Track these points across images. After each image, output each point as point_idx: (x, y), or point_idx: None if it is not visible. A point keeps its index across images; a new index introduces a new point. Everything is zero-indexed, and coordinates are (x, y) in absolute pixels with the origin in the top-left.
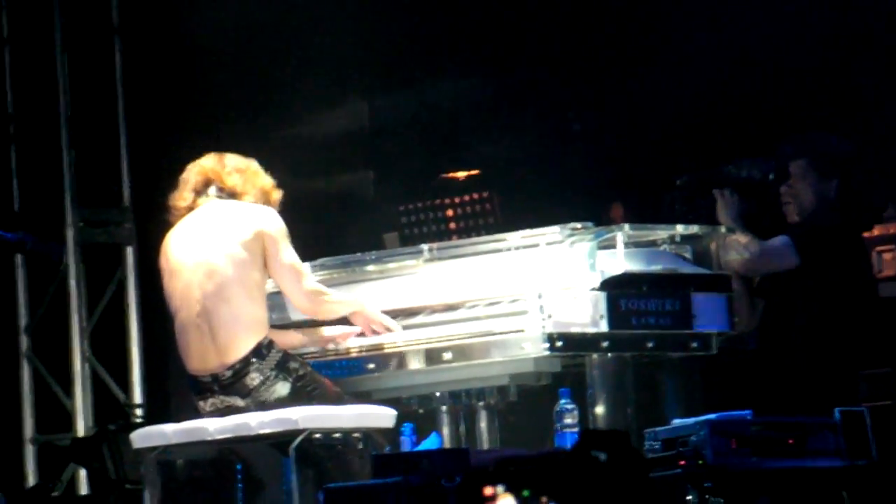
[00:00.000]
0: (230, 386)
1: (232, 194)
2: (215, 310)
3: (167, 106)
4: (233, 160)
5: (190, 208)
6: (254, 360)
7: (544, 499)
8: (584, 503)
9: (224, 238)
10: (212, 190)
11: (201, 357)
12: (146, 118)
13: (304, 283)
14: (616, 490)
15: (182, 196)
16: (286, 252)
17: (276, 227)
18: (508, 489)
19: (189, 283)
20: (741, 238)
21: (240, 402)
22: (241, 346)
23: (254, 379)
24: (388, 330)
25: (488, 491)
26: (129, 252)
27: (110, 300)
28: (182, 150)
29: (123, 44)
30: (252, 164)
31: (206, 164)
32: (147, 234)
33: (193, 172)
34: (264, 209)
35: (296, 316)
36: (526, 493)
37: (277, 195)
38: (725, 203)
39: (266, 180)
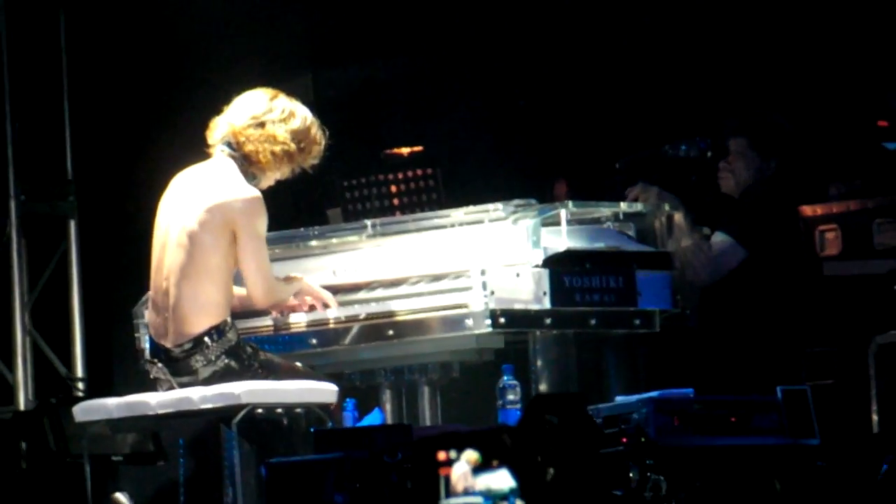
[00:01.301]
0: (177, 362)
1: (245, 156)
2: (177, 286)
3: (111, 79)
4: (257, 114)
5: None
6: (206, 340)
7: (495, 462)
8: (537, 466)
9: (196, 216)
10: (224, 147)
11: (159, 322)
12: (90, 91)
13: (264, 283)
14: (568, 453)
15: (207, 140)
16: (252, 246)
17: (250, 219)
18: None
19: (162, 251)
20: (685, 240)
21: (174, 383)
22: (194, 327)
23: (198, 361)
24: (327, 306)
25: (442, 456)
26: (72, 225)
27: (52, 273)
28: (125, 123)
29: (67, 16)
30: (271, 122)
31: (237, 120)
32: (90, 206)
33: (225, 122)
34: (246, 194)
35: None
36: (478, 457)
37: (301, 155)
38: (650, 193)
39: (282, 145)
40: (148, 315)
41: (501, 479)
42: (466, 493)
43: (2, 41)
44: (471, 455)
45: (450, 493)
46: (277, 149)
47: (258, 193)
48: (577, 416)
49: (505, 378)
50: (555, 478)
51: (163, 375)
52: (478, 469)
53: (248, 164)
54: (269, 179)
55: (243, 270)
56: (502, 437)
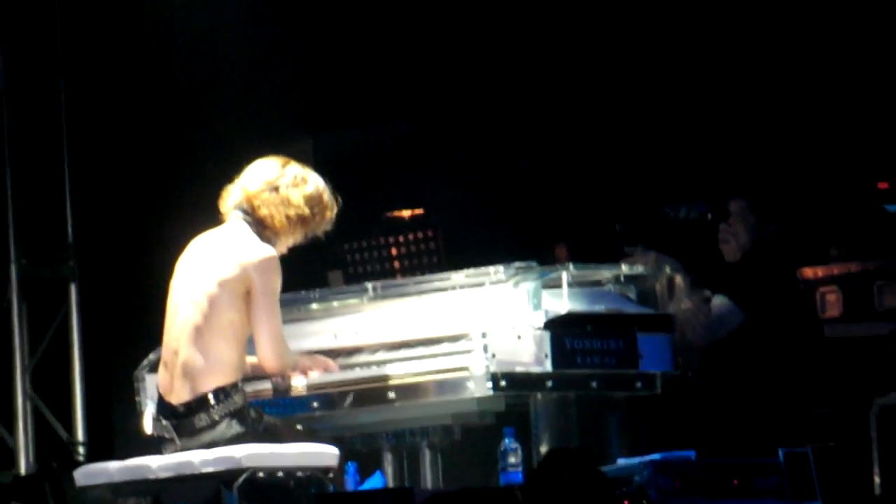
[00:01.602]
0: (181, 419)
1: (260, 223)
2: (188, 344)
3: (111, 143)
4: (271, 179)
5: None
6: (211, 399)
7: None
8: None
9: (211, 272)
10: (238, 212)
11: (168, 380)
12: (90, 155)
13: (276, 345)
14: None
15: (222, 202)
16: (266, 305)
17: (265, 276)
18: None
19: (175, 309)
20: (685, 302)
21: (177, 441)
22: (202, 384)
23: (202, 420)
24: (327, 370)
25: None
26: (73, 289)
27: (53, 337)
28: (125, 186)
29: (67, 79)
30: (285, 187)
31: (251, 185)
32: (90, 270)
33: (238, 187)
34: (263, 253)
35: None
36: None
37: (314, 221)
38: (650, 257)
39: (295, 209)
40: (158, 374)
41: None
42: None
43: (2, 103)
44: None
45: None
46: (292, 213)
47: (274, 252)
48: (590, 472)
49: (506, 441)
50: None
51: (167, 434)
52: None
53: (262, 228)
54: (283, 245)
55: (255, 330)
56: (515, 494)
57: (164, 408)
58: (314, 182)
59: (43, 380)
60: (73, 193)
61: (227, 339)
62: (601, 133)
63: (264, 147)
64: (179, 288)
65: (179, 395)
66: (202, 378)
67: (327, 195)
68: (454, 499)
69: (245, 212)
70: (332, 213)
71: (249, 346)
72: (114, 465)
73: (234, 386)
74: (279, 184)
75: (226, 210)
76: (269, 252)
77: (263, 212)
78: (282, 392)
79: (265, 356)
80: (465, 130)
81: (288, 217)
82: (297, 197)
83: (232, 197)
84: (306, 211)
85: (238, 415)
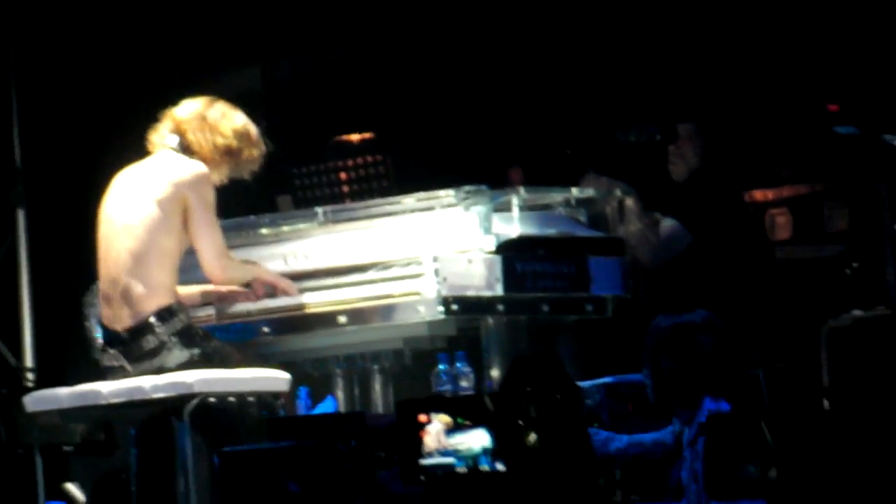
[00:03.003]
0: (127, 344)
1: (188, 149)
2: (127, 271)
3: (59, 67)
4: (200, 109)
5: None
6: (154, 321)
7: (468, 423)
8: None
9: (147, 198)
10: (171, 140)
11: (110, 311)
12: (37, 80)
13: (219, 256)
14: (551, 414)
15: (150, 139)
16: (205, 219)
17: (199, 191)
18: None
19: (109, 240)
20: (635, 224)
21: (128, 367)
22: (144, 308)
23: (150, 342)
24: (286, 292)
25: (423, 417)
26: (20, 215)
27: (1, 264)
28: (75, 111)
29: (14, 2)
30: (214, 117)
31: (181, 113)
32: (39, 196)
33: (167, 117)
34: (195, 169)
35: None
36: (459, 419)
37: (241, 155)
38: (601, 181)
39: (223, 138)
40: (99, 306)
41: (475, 439)
42: (440, 453)
43: None
44: (444, 417)
45: (424, 453)
46: (220, 141)
47: (205, 168)
48: (558, 377)
49: (458, 365)
50: (537, 439)
51: (116, 362)
52: (451, 430)
53: (190, 154)
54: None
55: (197, 245)
56: (484, 401)
57: (109, 336)
58: (242, 118)
59: None
60: (20, 117)
61: (164, 264)
62: (553, 56)
63: (214, 74)
64: (112, 217)
65: (123, 321)
66: (143, 302)
67: (255, 133)
68: (426, 404)
69: (174, 140)
70: (259, 151)
71: (196, 271)
72: (64, 392)
73: (176, 304)
74: (207, 114)
75: (155, 141)
76: (200, 168)
77: (191, 137)
78: (226, 316)
79: (210, 268)
80: (415, 51)
81: (216, 145)
82: (226, 127)
83: (161, 128)
84: (234, 142)
85: (185, 334)
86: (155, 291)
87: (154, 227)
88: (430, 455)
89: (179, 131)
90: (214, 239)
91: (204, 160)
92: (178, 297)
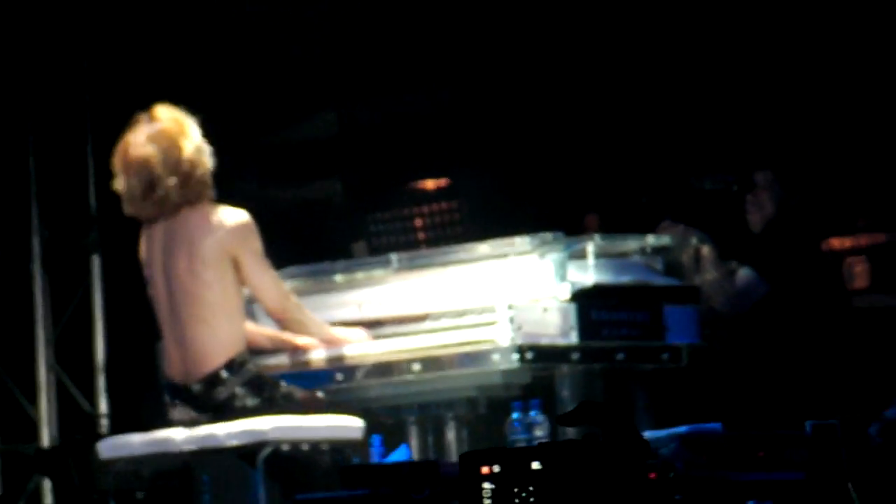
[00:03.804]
0: (199, 398)
1: (189, 186)
2: (191, 330)
3: (134, 109)
4: (185, 143)
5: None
6: (224, 374)
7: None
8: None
9: (194, 256)
10: (158, 195)
11: (176, 367)
12: (113, 126)
13: (279, 296)
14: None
15: (126, 208)
16: (257, 267)
17: (246, 242)
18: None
19: (166, 301)
20: (711, 273)
21: (204, 419)
22: (212, 361)
23: (220, 393)
24: (353, 343)
25: (486, 469)
26: (96, 260)
27: (75, 309)
28: None
29: (91, 47)
30: (190, 148)
31: (132, 170)
32: (113, 242)
33: (127, 178)
34: (235, 219)
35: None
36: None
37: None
38: (677, 228)
39: (203, 165)
40: (165, 364)
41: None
42: None
43: (26, 73)
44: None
45: None
46: (205, 165)
47: (247, 215)
48: (626, 430)
49: (532, 413)
50: (601, 495)
51: (186, 416)
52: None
53: (202, 186)
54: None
55: (256, 294)
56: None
57: (178, 391)
58: (191, 126)
59: (65, 352)
60: (96, 164)
61: (227, 317)
62: (629, 104)
63: (291, 120)
64: (163, 278)
65: (191, 377)
66: (212, 357)
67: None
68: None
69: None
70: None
71: (265, 319)
72: (137, 438)
73: (243, 355)
74: (186, 144)
75: (162, 194)
76: (240, 217)
77: (198, 172)
78: (301, 364)
79: (273, 313)
80: (491, 99)
81: (205, 169)
82: (198, 150)
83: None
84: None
85: (254, 383)
86: (222, 345)
87: (210, 285)
88: None
89: (189, 178)
90: (271, 285)
91: (205, 185)
92: (246, 344)
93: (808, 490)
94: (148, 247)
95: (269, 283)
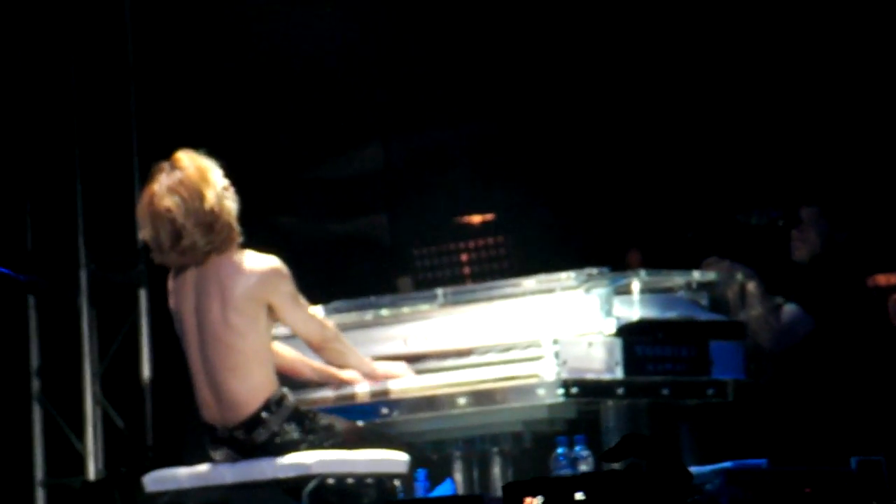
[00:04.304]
0: (240, 441)
1: (222, 227)
2: (225, 377)
3: (181, 142)
4: (206, 192)
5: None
6: (264, 415)
7: None
8: None
9: (225, 305)
10: (184, 245)
11: (213, 412)
12: (160, 154)
13: (318, 330)
14: (657, 500)
15: (154, 257)
16: (295, 311)
17: (280, 289)
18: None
19: (197, 349)
20: (756, 309)
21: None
22: (249, 407)
23: (261, 435)
24: (397, 377)
25: (529, 500)
26: (142, 294)
27: (122, 342)
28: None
29: (138, 82)
30: (213, 196)
31: (158, 221)
32: (160, 275)
33: (153, 228)
34: (266, 266)
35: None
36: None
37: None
38: (723, 264)
39: (226, 207)
40: (200, 408)
41: None
42: None
43: (73, 107)
44: (535, 502)
45: None
46: (230, 208)
47: (275, 260)
48: (670, 461)
49: (577, 448)
50: None
51: (229, 458)
52: None
53: (229, 232)
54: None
55: (294, 330)
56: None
57: (217, 436)
58: (213, 171)
59: (112, 385)
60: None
61: (261, 361)
62: (676, 139)
63: (337, 153)
64: (194, 326)
65: (231, 421)
66: (249, 402)
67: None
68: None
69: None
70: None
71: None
72: (182, 471)
73: (280, 393)
74: (208, 194)
75: (198, 245)
76: (271, 263)
77: (223, 220)
78: (346, 397)
79: (314, 342)
80: (537, 133)
81: (230, 212)
82: (220, 195)
83: (183, 225)
84: (227, 202)
85: (294, 418)
86: (259, 389)
87: (241, 332)
88: None
89: (204, 222)
90: (308, 320)
91: (231, 230)
92: (278, 382)
93: None
94: (177, 295)
95: (305, 319)
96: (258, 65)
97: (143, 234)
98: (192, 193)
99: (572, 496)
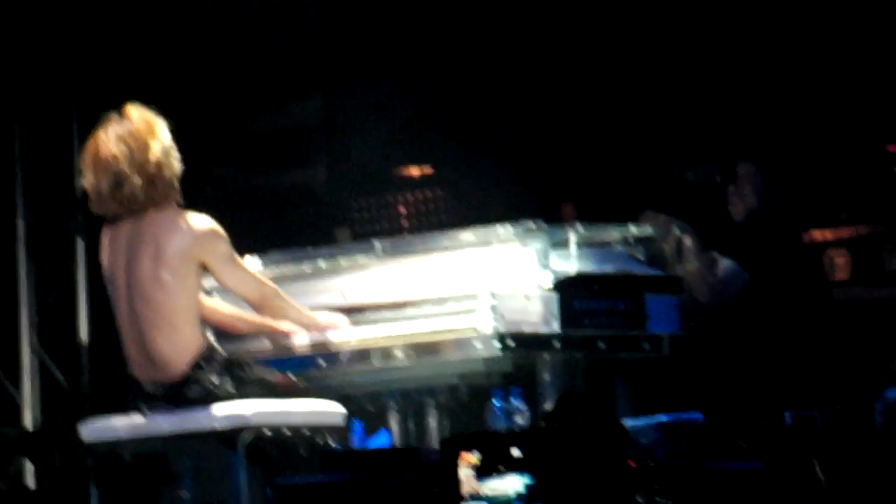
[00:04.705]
0: (170, 397)
1: (154, 189)
2: (152, 335)
3: (119, 94)
4: (137, 144)
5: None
6: (196, 370)
7: (501, 466)
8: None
9: (155, 262)
10: (124, 194)
11: (142, 369)
12: (98, 108)
13: (256, 289)
14: (596, 456)
15: (92, 206)
16: (231, 271)
17: (215, 249)
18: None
19: (124, 304)
20: (692, 263)
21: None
22: (180, 366)
23: (194, 391)
24: (337, 328)
25: (466, 454)
26: (79, 244)
27: (59, 293)
28: None
29: (77, 32)
30: (154, 150)
31: (119, 154)
32: (98, 225)
33: (95, 175)
34: (201, 226)
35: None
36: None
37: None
38: (659, 219)
39: (166, 166)
40: (132, 368)
41: (508, 484)
42: (472, 497)
43: (12, 57)
44: (471, 458)
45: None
46: (168, 168)
47: (210, 220)
48: (606, 419)
49: (513, 400)
50: (580, 482)
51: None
52: (483, 472)
53: (169, 189)
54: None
55: (231, 290)
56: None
57: (146, 393)
58: (159, 127)
59: (49, 335)
60: (80, 147)
61: (189, 319)
62: (610, 92)
63: (275, 105)
64: (122, 281)
65: (159, 380)
66: (178, 361)
67: (165, 134)
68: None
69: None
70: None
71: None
72: (119, 422)
73: (208, 347)
74: (151, 146)
75: (123, 196)
76: (205, 223)
77: (163, 173)
78: (283, 349)
79: (254, 302)
80: (472, 86)
81: (170, 172)
82: (162, 153)
83: (111, 177)
84: (171, 162)
85: (227, 370)
86: (187, 347)
87: (170, 290)
88: (463, 500)
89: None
90: (245, 279)
91: (172, 187)
92: (207, 341)
93: (779, 477)
94: (111, 248)
95: (242, 278)
96: (199, 16)
97: (85, 181)
98: (140, 145)
99: (509, 452)
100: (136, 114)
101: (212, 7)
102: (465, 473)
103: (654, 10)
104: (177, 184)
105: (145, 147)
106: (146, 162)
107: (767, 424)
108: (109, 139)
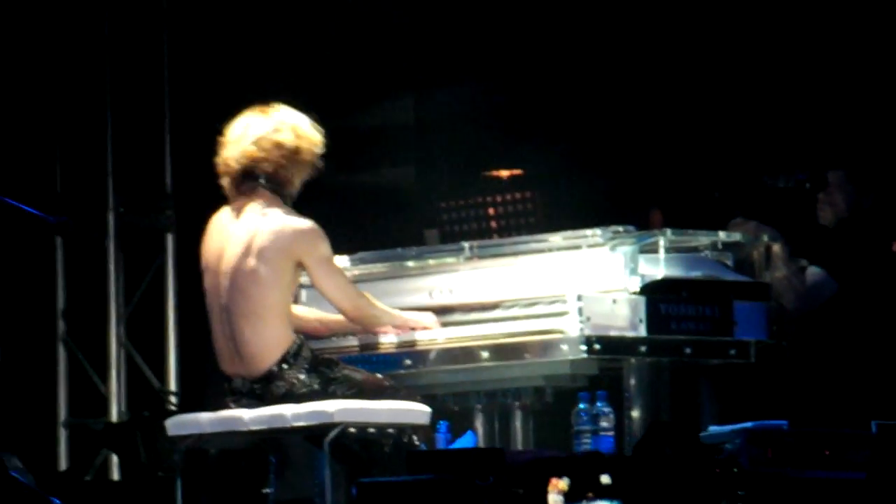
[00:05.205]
0: (257, 393)
1: (275, 182)
2: (242, 329)
3: (212, 92)
4: (267, 132)
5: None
6: (283, 366)
7: (590, 493)
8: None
9: (254, 254)
10: (256, 180)
11: (230, 363)
12: (191, 104)
13: (349, 298)
14: (682, 486)
15: (223, 185)
16: (327, 274)
17: (314, 250)
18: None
19: (218, 296)
20: (781, 270)
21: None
22: (267, 362)
23: (280, 388)
24: (427, 328)
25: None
26: (170, 239)
27: (148, 286)
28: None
29: (171, 26)
30: (283, 138)
31: (247, 147)
32: (188, 220)
33: (234, 157)
34: (303, 227)
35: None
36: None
37: (309, 156)
38: (749, 225)
39: (299, 154)
40: (214, 346)
41: None
42: None
43: (105, 51)
44: (561, 483)
45: None
46: (299, 158)
47: (312, 223)
48: (691, 445)
49: (599, 405)
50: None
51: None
52: (572, 498)
53: (278, 186)
54: (296, 187)
55: (326, 295)
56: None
57: (235, 387)
58: (301, 121)
59: (137, 328)
60: (172, 143)
61: (279, 316)
62: (703, 98)
63: (367, 104)
64: (219, 270)
65: (247, 375)
66: (266, 357)
67: (310, 128)
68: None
69: (256, 176)
70: (318, 140)
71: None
72: (205, 416)
73: (297, 345)
74: (278, 137)
75: (237, 183)
76: (307, 225)
77: (270, 168)
78: (370, 347)
79: (345, 310)
80: (564, 91)
81: (295, 163)
82: (296, 141)
83: (235, 163)
84: (305, 151)
85: (312, 369)
86: (276, 343)
87: (265, 284)
88: None
89: (257, 164)
90: (342, 287)
91: (291, 184)
92: (293, 334)
93: (870, 489)
94: (214, 237)
95: (338, 284)
96: (293, 12)
97: (229, 150)
98: (283, 137)
99: (598, 479)
100: (286, 109)
101: (308, 7)
102: (554, 499)
103: (747, 17)
104: (298, 184)
105: (308, 151)
106: (282, 154)
107: (853, 433)
108: (258, 123)
